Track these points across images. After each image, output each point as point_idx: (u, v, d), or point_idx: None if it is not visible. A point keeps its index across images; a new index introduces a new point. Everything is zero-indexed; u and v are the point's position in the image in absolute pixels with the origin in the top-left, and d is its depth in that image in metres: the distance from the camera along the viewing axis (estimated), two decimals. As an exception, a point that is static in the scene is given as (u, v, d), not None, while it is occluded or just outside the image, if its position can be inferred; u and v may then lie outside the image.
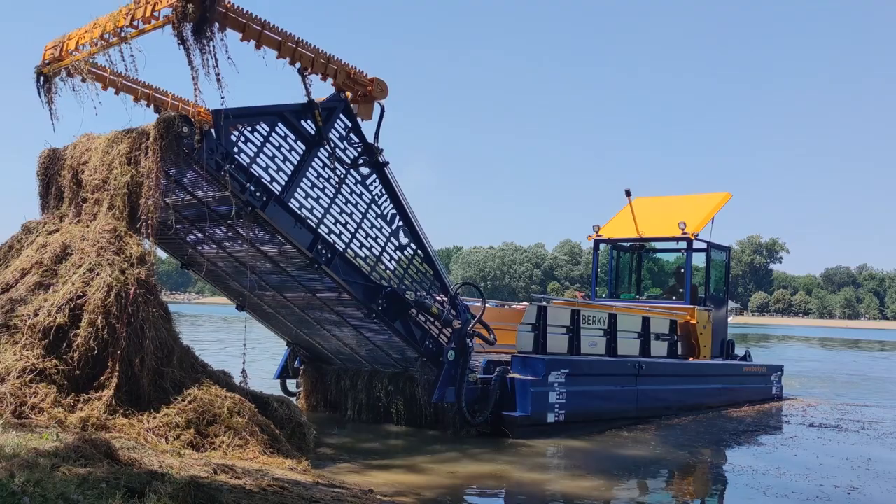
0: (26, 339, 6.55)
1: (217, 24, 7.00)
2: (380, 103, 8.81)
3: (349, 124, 8.71)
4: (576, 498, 7.29)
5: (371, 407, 10.44)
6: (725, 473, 8.91)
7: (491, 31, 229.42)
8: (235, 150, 7.68)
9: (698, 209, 14.97)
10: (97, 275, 6.74)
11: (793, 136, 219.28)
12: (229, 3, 7.23)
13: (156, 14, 7.19)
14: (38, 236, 7.63)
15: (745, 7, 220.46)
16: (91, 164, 7.51)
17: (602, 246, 15.89)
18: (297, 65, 8.00)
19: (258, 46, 7.68)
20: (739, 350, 16.18)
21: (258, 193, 7.78)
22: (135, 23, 7.37)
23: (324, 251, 8.41)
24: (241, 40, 7.59)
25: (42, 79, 8.41)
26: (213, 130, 7.37)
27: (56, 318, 6.56)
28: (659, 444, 10.06)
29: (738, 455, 9.85)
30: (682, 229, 14.07)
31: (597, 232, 15.39)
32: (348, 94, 8.66)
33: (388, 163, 8.98)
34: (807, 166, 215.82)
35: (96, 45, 7.73)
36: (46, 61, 8.43)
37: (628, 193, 14.94)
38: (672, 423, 11.81)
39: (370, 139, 8.82)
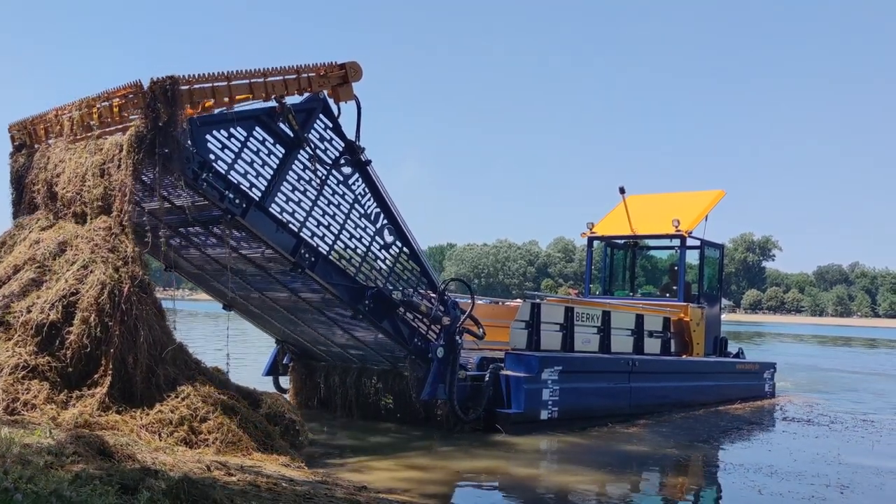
0: (19, 335, 6.53)
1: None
2: (356, 99, 8.64)
3: (329, 124, 8.57)
4: (570, 492, 7.33)
5: (361, 404, 10.41)
6: (718, 471, 8.95)
7: (487, 28, 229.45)
8: (212, 157, 7.53)
9: (692, 207, 15.00)
10: (91, 272, 6.71)
11: (786, 134, 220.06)
12: (187, 77, 7.04)
13: (124, 115, 7.16)
14: (31, 232, 7.60)
15: (741, 7, 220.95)
16: (64, 177, 7.44)
17: (596, 243, 15.93)
18: (273, 97, 7.86)
19: (231, 102, 7.54)
20: (732, 347, 16.23)
21: (237, 201, 7.62)
22: (102, 119, 7.40)
23: (307, 255, 8.28)
24: (214, 105, 7.42)
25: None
26: (188, 138, 7.18)
27: (49, 314, 6.54)
28: (651, 441, 10.10)
29: (730, 452, 9.90)
30: (676, 227, 14.08)
31: (591, 229, 15.39)
32: (328, 91, 8.51)
33: (370, 161, 8.84)
34: (800, 165, 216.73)
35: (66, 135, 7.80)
36: (17, 144, 8.51)
37: (622, 191, 14.97)
38: (665, 420, 11.85)
39: (351, 137, 8.67)
